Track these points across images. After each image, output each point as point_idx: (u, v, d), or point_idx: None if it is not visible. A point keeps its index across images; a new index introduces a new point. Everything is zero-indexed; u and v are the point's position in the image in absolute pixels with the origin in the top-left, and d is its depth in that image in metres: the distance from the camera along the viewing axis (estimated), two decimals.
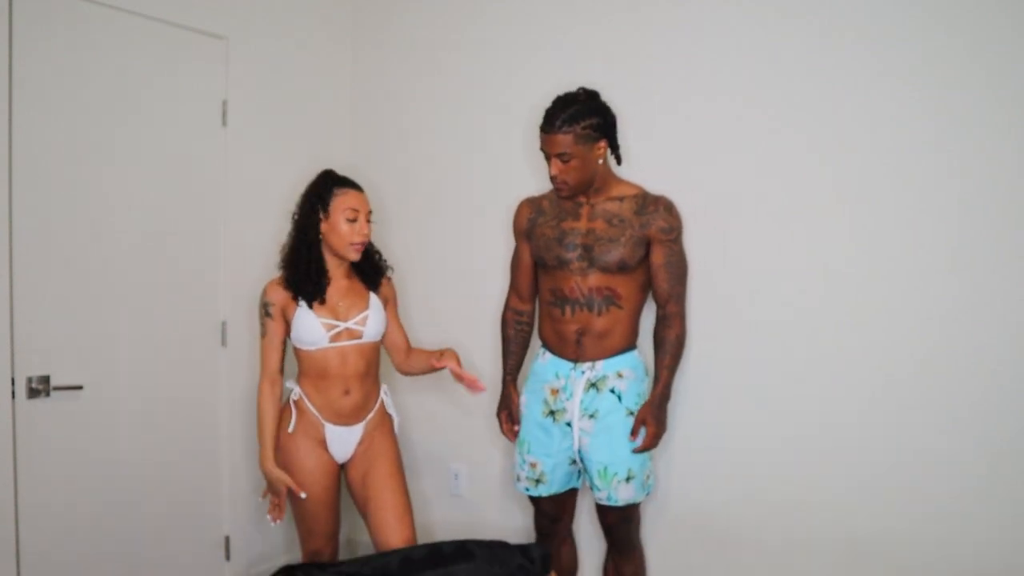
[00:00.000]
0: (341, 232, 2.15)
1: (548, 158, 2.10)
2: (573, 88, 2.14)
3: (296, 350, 2.22)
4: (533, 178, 2.61)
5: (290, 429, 2.17)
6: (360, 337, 2.20)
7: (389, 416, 2.34)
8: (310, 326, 2.15)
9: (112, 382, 2.38)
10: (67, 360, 2.27)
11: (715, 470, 2.39)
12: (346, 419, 2.21)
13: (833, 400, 2.20)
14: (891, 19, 2.08)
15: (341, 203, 2.16)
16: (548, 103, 2.09)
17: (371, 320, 2.22)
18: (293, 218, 2.23)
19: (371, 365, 2.26)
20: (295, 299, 2.17)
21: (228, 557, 2.75)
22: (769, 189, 2.27)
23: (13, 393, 2.14)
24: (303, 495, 2.13)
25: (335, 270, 2.22)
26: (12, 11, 2.10)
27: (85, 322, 2.31)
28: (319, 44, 3.01)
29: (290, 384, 2.23)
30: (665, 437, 2.28)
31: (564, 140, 2.04)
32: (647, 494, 2.23)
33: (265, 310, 2.19)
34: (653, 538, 2.48)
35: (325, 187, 2.18)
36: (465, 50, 2.86)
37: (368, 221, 2.20)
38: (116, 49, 2.36)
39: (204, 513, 2.68)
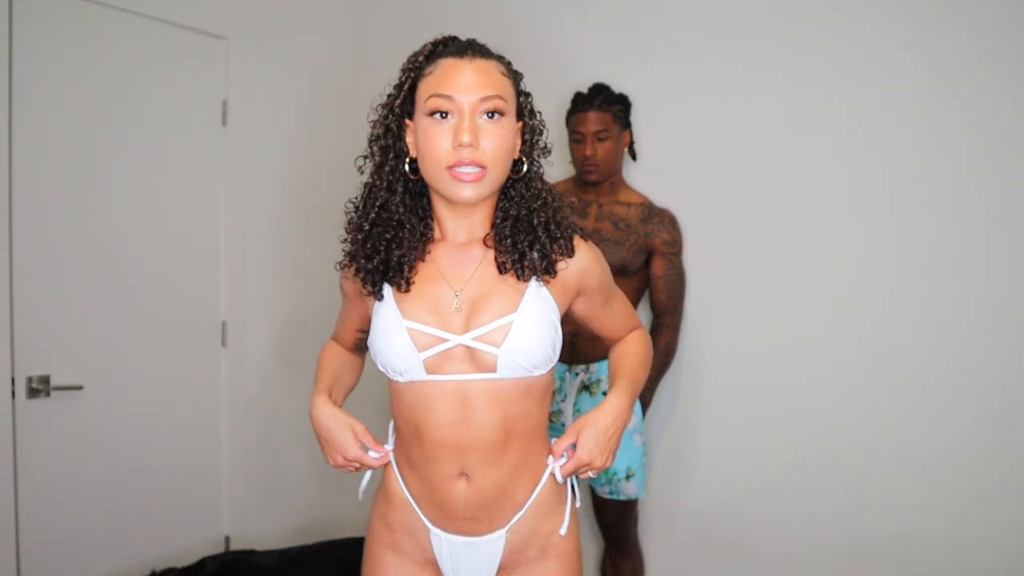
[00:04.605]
0: None
1: (580, 141, 2.13)
2: (571, 91, 2.16)
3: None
4: None
5: (362, 484, 1.35)
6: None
7: (567, 504, 1.31)
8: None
9: (112, 382, 2.38)
10: (67, 360, 2.26)
11: (713, 469, 2.39)
12: (463, 524, 1.26)
13: (833, 400, 2.20)
14: (907, 18, 2.07)
15: None
16: (554, 101, 2.10)
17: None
18: None
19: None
20: None
21: None
22: (774, 192, 2.27)
23: (13, 393, 2.14)
24: (384, 450, 1.29)
25: None
26: (12, 11, 2.10)
27: (85, 322, 2.31)
28: (319, 43, 3.01)
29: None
30: (665, 437, 2.29)
31: (603, 117, 2.12)
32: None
33: None
34: (651, 537, 2.48)
35: None
36: None
37: None
38: (116, 49, 2.36)
39: (204, 513, 2.68)
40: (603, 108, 2.12)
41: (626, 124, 2.19)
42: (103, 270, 2.35)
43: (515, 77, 1.25)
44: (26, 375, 2.17)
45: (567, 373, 2.19)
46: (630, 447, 2.16)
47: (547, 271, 1.23)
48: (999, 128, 1.97)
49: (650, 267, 2.19)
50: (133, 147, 2.42)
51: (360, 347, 1.43)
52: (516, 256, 1.22)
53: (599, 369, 2.17)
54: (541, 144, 1.28)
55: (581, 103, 2.15)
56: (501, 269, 1.23)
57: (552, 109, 2.39)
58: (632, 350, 1.37)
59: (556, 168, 2.46)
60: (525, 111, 1.26)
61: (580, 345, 2.16)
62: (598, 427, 1.23)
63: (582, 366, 2.17)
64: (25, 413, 2.17)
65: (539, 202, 1.25)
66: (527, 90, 1.27)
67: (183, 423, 2.59)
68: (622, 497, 2.17)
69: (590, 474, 1.24)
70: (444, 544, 1.26)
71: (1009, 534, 1.98)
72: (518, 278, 1.22)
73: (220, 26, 2.63)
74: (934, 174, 2.05)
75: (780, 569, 2.29)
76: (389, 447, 1.31)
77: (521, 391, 1.21)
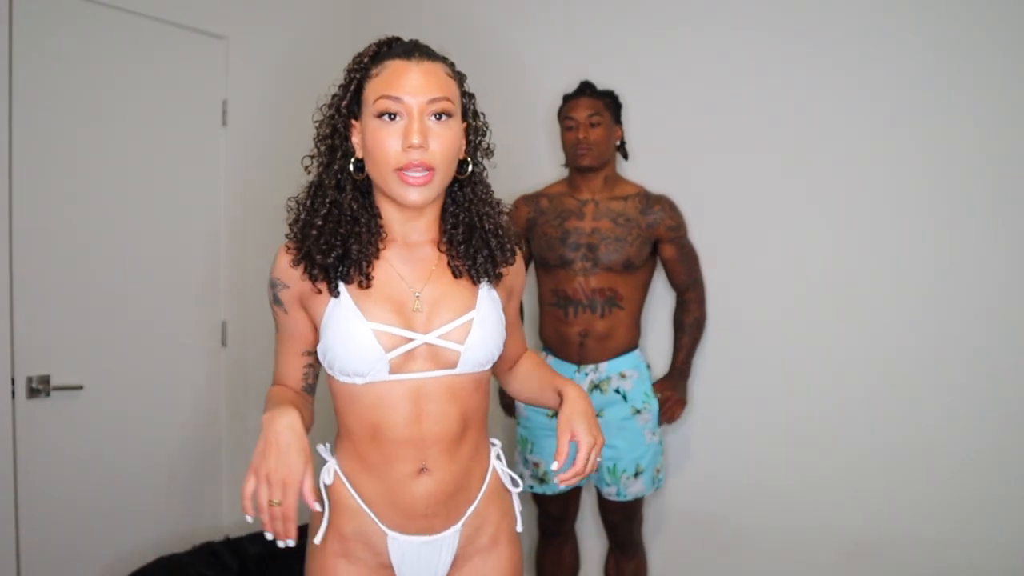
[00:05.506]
0: None
1: (572, 128, 2.18)
2: (563, 90, 2.18)
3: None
4: (530, 175, 2.61)
5: (317, 539, 1.27)
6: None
7: (507, 494, 1.39)
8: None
9: (112, 382, 2.38)
10: (67, 360, 2.26)
11: (717, 470, 2.39)
12: (425, 522, 1.28)
13: (835, 399, 2.20)
14: (894, 21, 2.08)
15: None
16: (545, 103, 2.11)
17: None
18: None
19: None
20: None
21: None
22: (772, 184, 2.27)
23: (13, 393, 2.14)
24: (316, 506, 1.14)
25: None
26: (12, 11, 2.10)
27: (85, 322, 2.31)
28: (319, 43, 3.01)
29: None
30: (667, 438, 2.28)
31: (595, 103, 2.17)
32: (656, 488, 2.24)
33: None
34: (655, 537, 2.48)
35: None
36: (465, 49, 2.85)
37: None
38: (116, 49, 2.36)
39: (204, 513, 2.68)
40: (594, 97, 2.19)
41: (617, 119, 2.24)
42: (103, 270, 2.35)
43: (459, 78, 1.27)
44: (26, 375, 2.16)
45: (576, 374, 2.18)
46: (640, 443, 2.16)
47: (498, 276, 1.30)
48: (1003, 128, 1.97)
49: (660, 254, 2.22)
50: (133, 147, 2.41)
51: (309, 384, 1.32)
52: (470, 262, 1.27)
53: (608, 368, 2.17)
54: (484, 145, 1.31)
55: (575, 92, 2.23)
56: (456, 273, 1.27)
57: (542, 112, 2.40)
58: (539, 360, 1.47)
59: (553, 171, 2.47)
60: (469, 112, 1.28)
61: (589, 345, 2.16)
62: (584, 412, 1.29)
63: (591, 366, 2.17)
64: (25, 413, 2.17)
65: (487, 207, 1.30)
66: (471, 91, 1.29)
67: (183, 423, 2.59)
68: (628, 497, 2.17)
69: (595, 455, 1.28)
70: (402, 547, 1.26)
71: (1010, 534, 1.98)
72: (473, 282, 1.28)
73: (220, 26, 2.63)
74: (937, 163, 2.05)
75: (782, 569, 2.29)
76: (333, 463, 1.28)
77: (474, 385, 1.28)
